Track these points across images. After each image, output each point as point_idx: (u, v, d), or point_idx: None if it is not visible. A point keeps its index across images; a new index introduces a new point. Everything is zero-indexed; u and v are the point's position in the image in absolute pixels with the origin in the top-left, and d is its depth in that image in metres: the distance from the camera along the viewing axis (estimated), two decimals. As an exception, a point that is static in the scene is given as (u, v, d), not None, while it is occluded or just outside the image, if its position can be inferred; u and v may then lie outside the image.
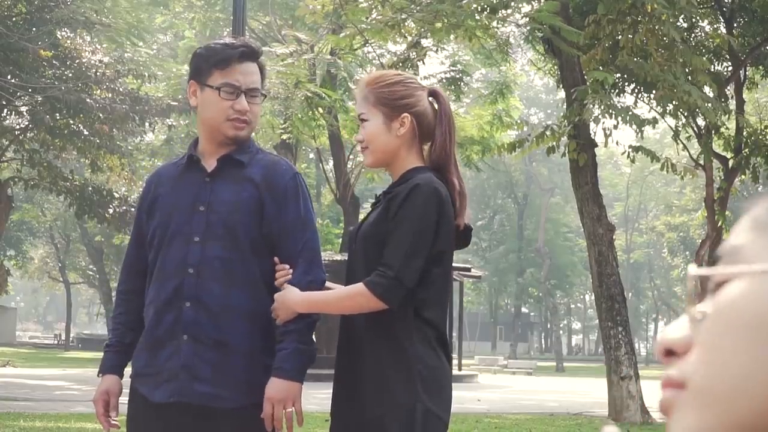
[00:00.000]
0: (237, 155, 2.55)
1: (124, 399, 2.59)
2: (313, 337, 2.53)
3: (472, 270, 28.90)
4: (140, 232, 2.64)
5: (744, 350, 0.47)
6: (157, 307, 2.50)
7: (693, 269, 0.52)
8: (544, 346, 68.62)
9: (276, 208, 2.51)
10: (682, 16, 11.66)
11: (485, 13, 10.77)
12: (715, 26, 14.36)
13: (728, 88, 15.24)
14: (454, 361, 24.52)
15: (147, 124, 19.36)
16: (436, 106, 2.53)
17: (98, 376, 2.65)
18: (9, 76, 16.49)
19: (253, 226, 2.49)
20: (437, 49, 16.79)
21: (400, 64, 12.97)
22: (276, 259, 2.50)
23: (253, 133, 2.72)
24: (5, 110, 17.80)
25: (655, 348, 0.53)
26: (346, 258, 2.58)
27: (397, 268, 2.30)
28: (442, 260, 2.39)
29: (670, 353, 0.51)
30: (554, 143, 11.79)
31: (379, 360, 2.34)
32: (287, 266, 2.49)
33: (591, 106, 10.73)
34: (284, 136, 15.16)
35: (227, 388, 2.43)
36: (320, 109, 13.70)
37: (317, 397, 7.48)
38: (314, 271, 2.50)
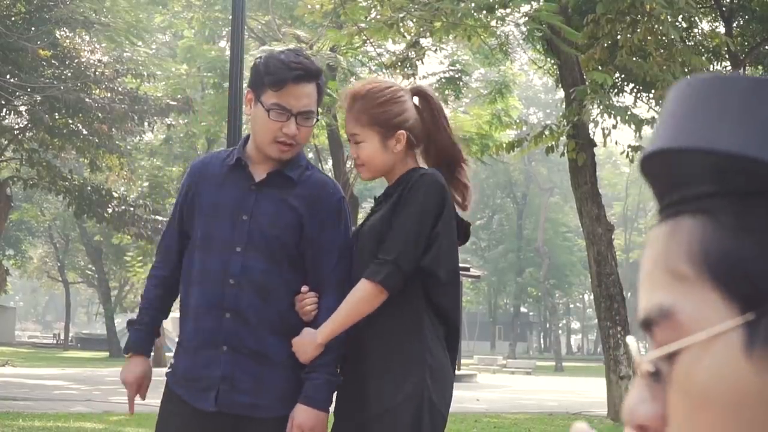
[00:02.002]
0: (287, 171, 2.52)
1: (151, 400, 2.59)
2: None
3: (471, 269, 28.91)
4: (180, 219, 2.62)
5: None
6: (197, 314, 2.50)
7: (637, 355, 0.49)
8: (543, 345, 68.65)
9: (316, 229, 2.49)
10: (681, 15, 11.65)
11: (483, 12, 10.75)
12: (713, 26, 14.35)
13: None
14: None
15: (146, 123, 19.37)
16: (420, 105, 2.52)
17: (126, 353, 2.63)
18: (8, 76, 16.48)
19: (292, 241, 2.48)
20: (436, 49, 16.78)
21: (399, 64, 12.96)
22: (304, 288, 2.48)
23: None
24: (4, 110, 17.78)
25: (625, 420, 0.49)
26: None
27: (396, 253, 2.30)
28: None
29: (643, 429, 0.48)
30: (553, 143, 11.77)
31: (389, 353, 2.34)
32: (313, 294, 2.47)
33: (590, 106, 10.71)
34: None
35: (266, 398, 2.45)
36: (320, 108, 13.71)
37: (316, 397, 7.53)
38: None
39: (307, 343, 2.40)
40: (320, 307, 2.45)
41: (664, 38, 10.75)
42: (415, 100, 2.53)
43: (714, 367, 0.45)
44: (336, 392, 2.46)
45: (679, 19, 12.04)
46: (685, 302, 0.47)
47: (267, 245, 2.46)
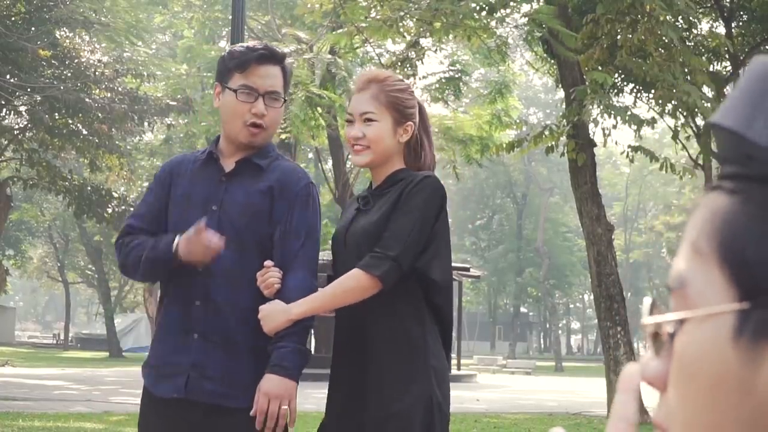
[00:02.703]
0: (256, 159, 2.57)
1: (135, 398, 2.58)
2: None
3: (471, 270, 28.89)
4: (155, 207, 2.62)
5: (704, 410, 0.45)
6: (169, 303, 2.54)
7: (648, 317, 0.50)
8: (543, 345, 68.65)
9: (284, 213, 2.52)
10: (681, 17, 11.65)
11: (483, 12, 10.75)
12: (713, 25, 14.34)
13: (727, 88, 15.24)
14: (453, 361, 24.52)
15: (146, 123, 19.37)
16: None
17: (173, 257, 2.47)
18: (8, 76, 16.48)
19: (262, 229, 2.51)
20: (436, 49, 16.78)
21: (399, 64, 12.96)
22: (268, 262, 2.46)
23: None
24: (4, 110, 17.79)
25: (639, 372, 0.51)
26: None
27: (399, 250, 2.31)
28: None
29: (650, 384, 0.50)
30: (553, 143, 11.77)
31: (394, 354, 2.33)
32: (277, 269, 2.46)
33: (590, 106, 10.71)
34: (283, 136, 15.17)
35: (236, 387, 2.45)
36: (319, 109, 13.71)
37: (315, 397, 7.49)
38: (309, 281, 2.47)
39: (278, 314, 2.35)
40: (284, 284, 2.44)
41: (664, 38, 10.75)
42: None
43: (702, 345, 0.46)
44: (337, 390, 2.45)
45: (679, 20, 12.04)
46: (696, 276, 0.47)
47: (237, 234, 2.48)
